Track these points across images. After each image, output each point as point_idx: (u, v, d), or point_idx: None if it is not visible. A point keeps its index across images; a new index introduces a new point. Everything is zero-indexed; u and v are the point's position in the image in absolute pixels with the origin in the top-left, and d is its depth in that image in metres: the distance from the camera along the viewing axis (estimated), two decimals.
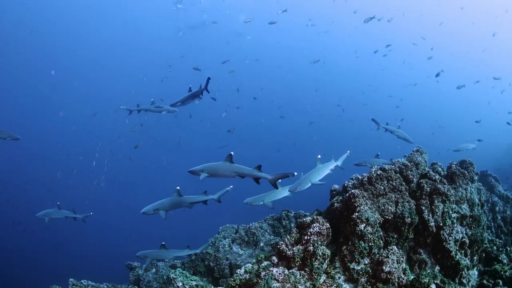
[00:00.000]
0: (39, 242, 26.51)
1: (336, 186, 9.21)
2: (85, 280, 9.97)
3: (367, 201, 6.57)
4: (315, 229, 5.93)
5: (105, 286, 10.70)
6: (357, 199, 6.51)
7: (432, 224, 6.91)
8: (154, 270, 11.85)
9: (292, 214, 12.08)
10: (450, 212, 7.17)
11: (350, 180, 8.18)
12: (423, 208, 7.01)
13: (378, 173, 7.26)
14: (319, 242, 5.83)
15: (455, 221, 7.20)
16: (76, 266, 22.19)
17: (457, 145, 16.73)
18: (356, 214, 6.11)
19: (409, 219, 6.60)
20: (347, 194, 6.90)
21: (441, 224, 7.01)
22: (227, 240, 11.68)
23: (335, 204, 7.47)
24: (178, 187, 8.82)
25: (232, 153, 7.54)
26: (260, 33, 50.94)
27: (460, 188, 8.28)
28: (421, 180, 7.61)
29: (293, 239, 6.20)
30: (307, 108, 40.23)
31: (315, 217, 6.25)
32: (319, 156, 8.46)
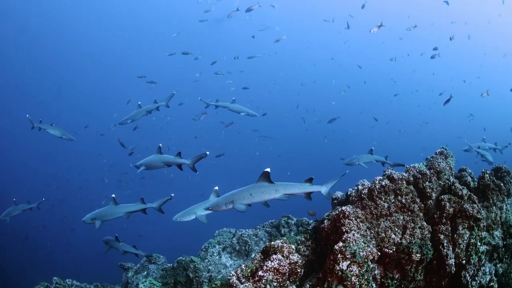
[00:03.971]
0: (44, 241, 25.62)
1: (339, 194, 7.21)
2: (70, 280, 9.30)
3: (361, 224, 4.54)
4: (273, 264, 3.99)
5: (92, 286, 9.76)
6: (346, 220, 4.50)
7: (452, 261, 4.78)
8: (145, 272, 10.66)
9: (293, 222, 10.35)
10: (478, 244, 5.02)
11: (361, 185, 6.10)
12: (442, 237, 4.88)
13: (383, 184, 5.18)
14: (275, 284, 3.88)
15: (483, 257, 5.04)
16: (77, 265, 21.19)
17: (469, 144, 13.68)
18: (340, 245, 4.10)
19: (418, 255, 4.51)
20: (336, 212, 4.91)
21: (464, 261, 4.86)
22: (217, 247, 10.13)
23: (325, 222, 5.49)
24: (113, 195, 7.87)
25: (160, 144, 7.79)
26: (289, 28, 48.66)
27: (494, 207, 6.09)
28: (442, 196, 5.44)
29: (249, 270, 4.30)
30: (332, 104, 37.66)
31: (280, 243, 4.31)
32: (267, 169, 5.48)
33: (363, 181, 7.08)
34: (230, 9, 14.78)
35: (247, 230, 10.19)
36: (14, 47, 44.25)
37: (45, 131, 11.65)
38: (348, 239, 4.18)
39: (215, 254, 9.90)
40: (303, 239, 5.77)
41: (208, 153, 7.54)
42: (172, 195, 8.02)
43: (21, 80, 44.90)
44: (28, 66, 45.70)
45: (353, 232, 4.30)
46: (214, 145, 34.45)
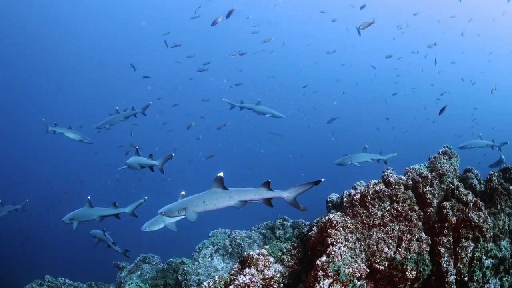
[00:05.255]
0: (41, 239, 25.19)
1: (334, 197, 6.60)
2: (62, 278, 9.22)
3: (349, 235, 3.92)
4: (244, 279, 3.43)
5: (85, 285, 9.63)
6: (333, 231, 3.88)
7: (452, 278, 4.13)
8: (139, 272, 10.33)
9: (289, 223, 9.84)
10: (484, 258, 4.37)
11: (353, 189, 5.47)
12: (442, 250, 4.23)
13: (378, 189, 4.55)
14: None
15: (488, 272, 4.39)
16: (74, 264, 20.81)
17: (466, 141, 12.80)
18: (323, 259, 3.50)
19: (413, 272, 3.87)
20: (323, 220, 4.30)
21: (466, 278, 4.22)
22: (209, 249, 9.68)
23: (313, 229, 4.88)
24: (89, 197, 7.49)
25: (137, 147, 8.32)
26: (293, 25, 47.75)
27: (502, 213, 5.45)
28: (444, 203, 4.78)
29: (222, 282, 3.75)
30: (333, 104, 36.66)
31: (256, 255, 3.72)
32: (220, 174, 4.95)
33: (360, 182, 6.44)
34: (229, 7, 14.15)
35: (240, 231, 9.71)
36: (13, 46, 43.99)
37: (63, 135, 10.96)
38: (333, 253, 3.57)
39: (207, 256, 9.51)
40: (289, 247, 5.18)
41: (173, 154, 7.88)
42: (146, 197, 7.60)
43: (18, 80, 44.65)
44: (25, 66, 45.42)
45: (339, 245, 3.69)
46: (217, 145, 33.86)
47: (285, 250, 5.07)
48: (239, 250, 9.29)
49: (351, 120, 41.87)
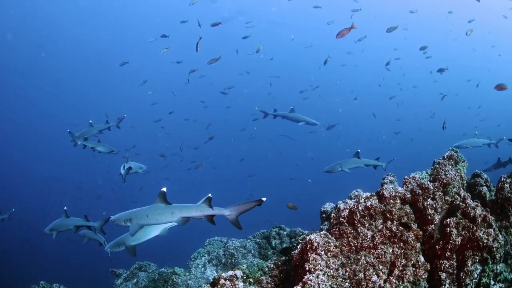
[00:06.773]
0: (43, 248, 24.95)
1: (329, 207, 5.97)
2: (57, 284, 8.98)
3: (332, 260, 3.27)
4: None
5: None
6: (312, 255, 3.24)
7: None
8: (135, 280, 9.97)
9: (285, 232, 9.31)
10: (492, 283, 3.68)
11: (343, 203, 4.77)
12: (444, 276, 3.54)
13: (369, 204, 3.87)
14: None
15: None
16: (74, 270, 20.48)
17: (461, 140, 11.74)
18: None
19: None
20: (304, 241, 3.66)
21: None
22: (203, 258, 9.23)
23: (298, 247, 4.24)
24: (65, 207, 7.53)
25: (128, 155, 9.04)
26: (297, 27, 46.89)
27: None
28: (448, 220, 4.07)
29: None
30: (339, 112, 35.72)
31: (223, 280, 3.13)
32: (163, 189, 4.91)
33: (357, 191, 5.78)
34: (230, 8, 13.74)
35: (235, 241, 9.17)
36: (13, 46, 44.10)
37: (94, 150, 10.95)
38: (309, 282, 2.95)
39: (200, 266, 9.09)
40: (272, 265, 4.53)
41: (145, 168, 8.86)
42: (110, 217, 7.32)
43: (19, 81, 44.69)
44: (25, 67, 45.47)
45: (317, 272, 3.05)
46: (222, 151, 33.27)
47: (266, 269, 4.44)
48: (233, 261, 8.81)
49: (355, 122, 41.01)
